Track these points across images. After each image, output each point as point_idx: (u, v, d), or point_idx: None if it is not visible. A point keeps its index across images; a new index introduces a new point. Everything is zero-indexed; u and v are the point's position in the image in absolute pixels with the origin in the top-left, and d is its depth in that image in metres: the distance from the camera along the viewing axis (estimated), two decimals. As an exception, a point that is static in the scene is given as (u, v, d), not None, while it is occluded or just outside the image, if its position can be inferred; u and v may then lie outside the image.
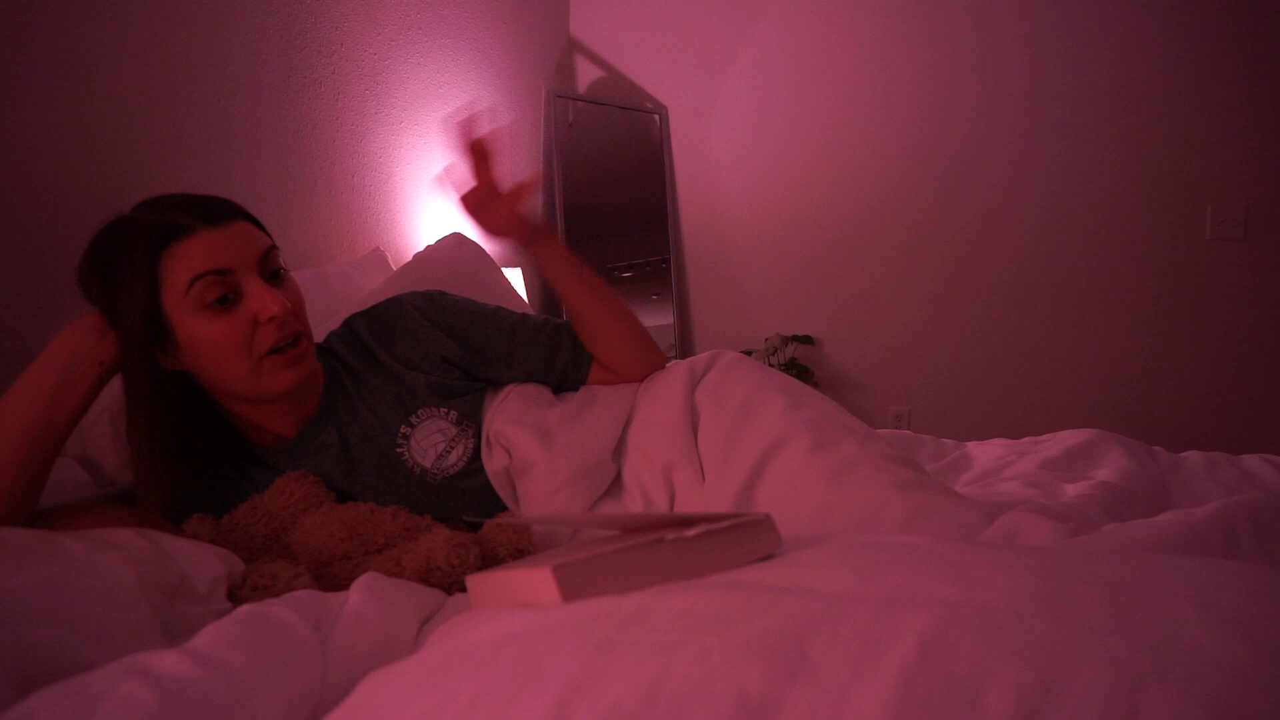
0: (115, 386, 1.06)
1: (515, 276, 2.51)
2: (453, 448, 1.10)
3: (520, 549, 0.95)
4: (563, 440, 1.07)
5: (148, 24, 1.65)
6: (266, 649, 0.59)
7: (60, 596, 0.69)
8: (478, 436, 1.12)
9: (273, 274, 1.00)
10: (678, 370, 1.17)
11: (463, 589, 0.87)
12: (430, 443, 1.10)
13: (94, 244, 0.97)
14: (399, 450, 1.09)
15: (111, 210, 0.99)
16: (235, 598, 0.85)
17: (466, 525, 1.07)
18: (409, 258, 2.02)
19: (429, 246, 1.91)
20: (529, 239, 1.15)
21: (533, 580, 0.58)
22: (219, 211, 0.97)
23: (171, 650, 0.56)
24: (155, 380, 0.97)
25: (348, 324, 1.17)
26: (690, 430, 1.08)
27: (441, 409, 1.11)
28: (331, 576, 0.92)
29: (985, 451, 1.49)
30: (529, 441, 1.07)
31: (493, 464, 1.09)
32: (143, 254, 0.93)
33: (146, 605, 0.73)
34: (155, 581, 0.77)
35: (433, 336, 1.13)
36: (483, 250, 1.96)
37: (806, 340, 3.12)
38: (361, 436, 1.09)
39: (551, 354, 1.18)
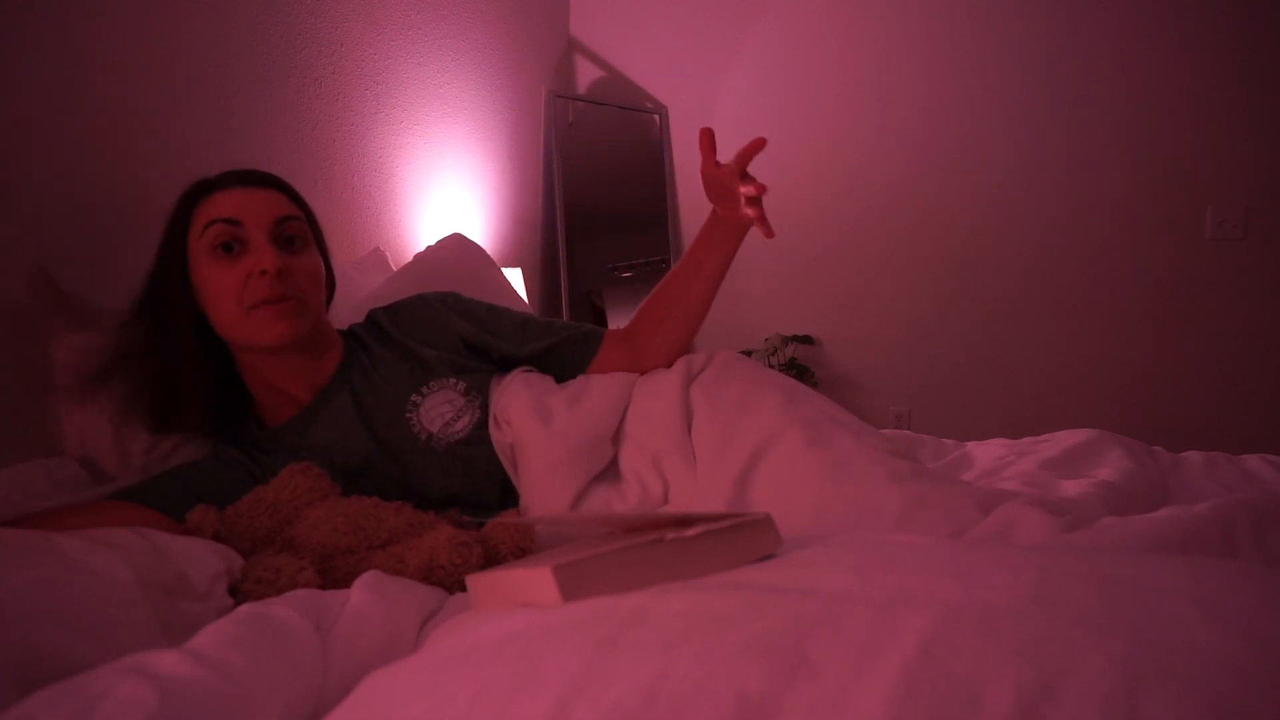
0: (115, 388, 1.06)
1: (515, 276, 2.51)
2: (460, 416, 1.16)
3: (522, 548, 0.95)
4: (561, 421, 1.11)
5: (148, 24, 1.65)
6: (267, 648, 0.59)
7: (59, 596, 0.69)
8: (484, 409, 1.17)
9: (288, 240, 1.08)
10: (675, 366, 1.20)
11: (464, 588, 0.87)
12: (438, 411, 1.16)
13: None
14: (408, 416, 1.15)
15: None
16: (238, 592, 0.85)
17: (470, 524, 1.07)
18: (409, 258, 2.02)
19: (429, 247, 1.91)
20: (727, 214, 1.21)
21: (533, 580, 0.58)
22: (256, 177, 1.11)
23: (172, 650, 0.56)
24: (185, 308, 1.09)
25: (370, 316, 1.26)
26: (684, 423, 1.10)
27: (451, 379, 1.18)
28: (334, 570, 0.92)
29: (985, 451, 1.49)
30: (529, 420, 1.11)
31: (500, 436, 1.14)
32: (184, 202, 1.09)
33: (145, 604, 0.73)
34: (154, 580, 0.77)
35: (452, 320, 1.22)
36: (483, 251, 1.96)
37: (806, 340, 3.12)
38: (374, 404, 1.15)
39: (555, 345, 1.24)
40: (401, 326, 1.22)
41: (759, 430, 1.06)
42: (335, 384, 1.16)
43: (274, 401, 1.15)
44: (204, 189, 1.09)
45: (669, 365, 1.23)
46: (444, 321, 1.22)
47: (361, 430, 1.13)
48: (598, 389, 1.17)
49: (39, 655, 0.61)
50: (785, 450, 1.03)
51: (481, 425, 1.16)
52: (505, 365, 1.25)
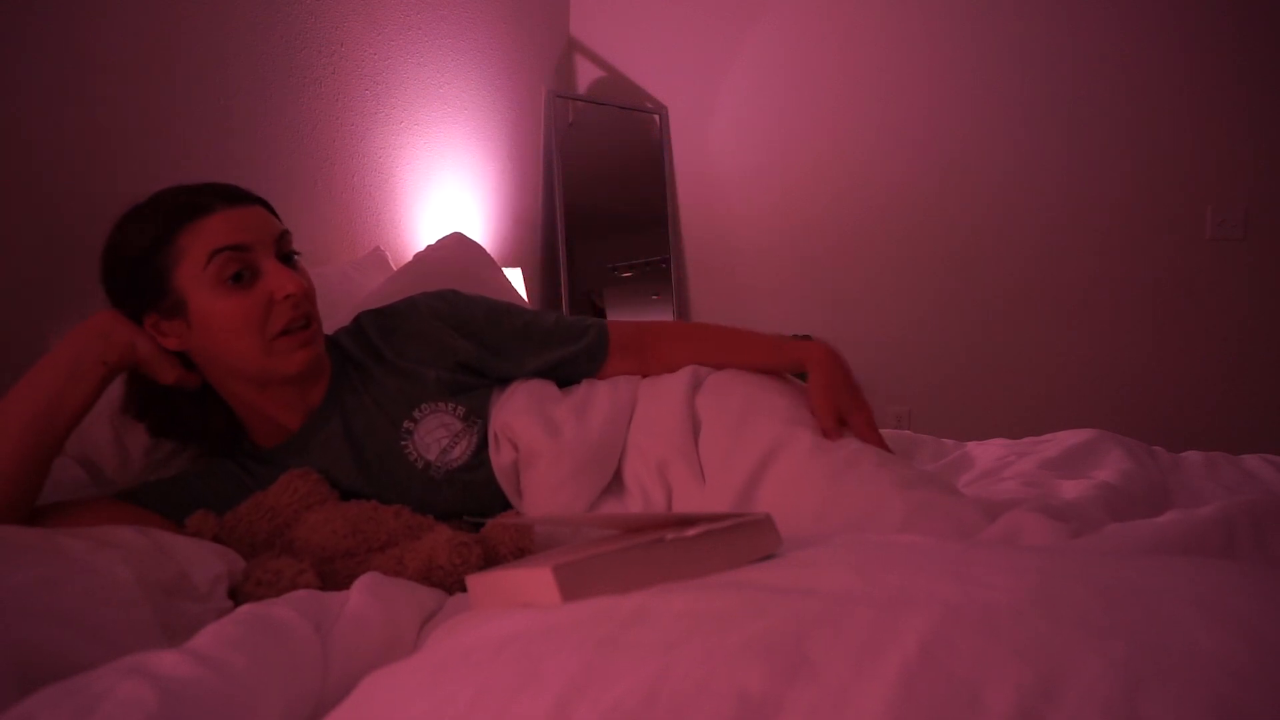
0: (115, 388, 1.06)
1: (515, 276, 2.51)
2: (457, 442, 1.11)
3: (522, 548, 0.95)
4: (569, 433, 1.07)
5: (148, 24, 1.65)
6: (267, 649, 0.59)
7: (59, 595, 0.69)
8: (483, 432, 1.12)
9: (286, 257, 1.03)
10: (681, 373, 1.16)
11: (464, 589, 0.87)
12: (434, 437, 1.10)
13: (117, 227, 1.00)
14: (403, 444, 1.10)
15: (116, 207, 1.00)
16: (239, 594, 0.85)
17: (469, 525, 1.07)
18: (409, 258, 2.01)
19: (429, 246, 1.91)
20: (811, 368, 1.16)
21: (533, 580, 0.58)
22: (237, 194, 1.02)
23: (172, 650, 0.56)
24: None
25: (357, 321, 1.18)
26: (689, 429, 1.08)
27: (448, 404, 1.12)
28: (334, 574, 0.92)
29: (985, 452, 1.49)
30: (536, 432, 1.06)
31: (500, 459, 1.09)
32: (164, 225, 0.97)
33: (145, 604, 0.73)
34: (154, 580, 0.77)
35: (447, 338, 1.13)
36: (483, 250, 1.96)
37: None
38: (366, 429, 1.10)
39: (558, 364, 1.18)
40: (392, 342, 1.14)
41: (765, 436, 1.04)
42: (325, 410, 1.10)
43: (262, 426, 1.09)
44: (185, 215, 0.97)
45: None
46: (438, 340, 1.13)
47: (351, 460, 1.09)
48: (604, 398, 1.13)
49: (39, 654, 0.61)
50: (791, 455, 1.02)
51: (480, 449, 1.11)
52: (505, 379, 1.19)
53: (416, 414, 1.11)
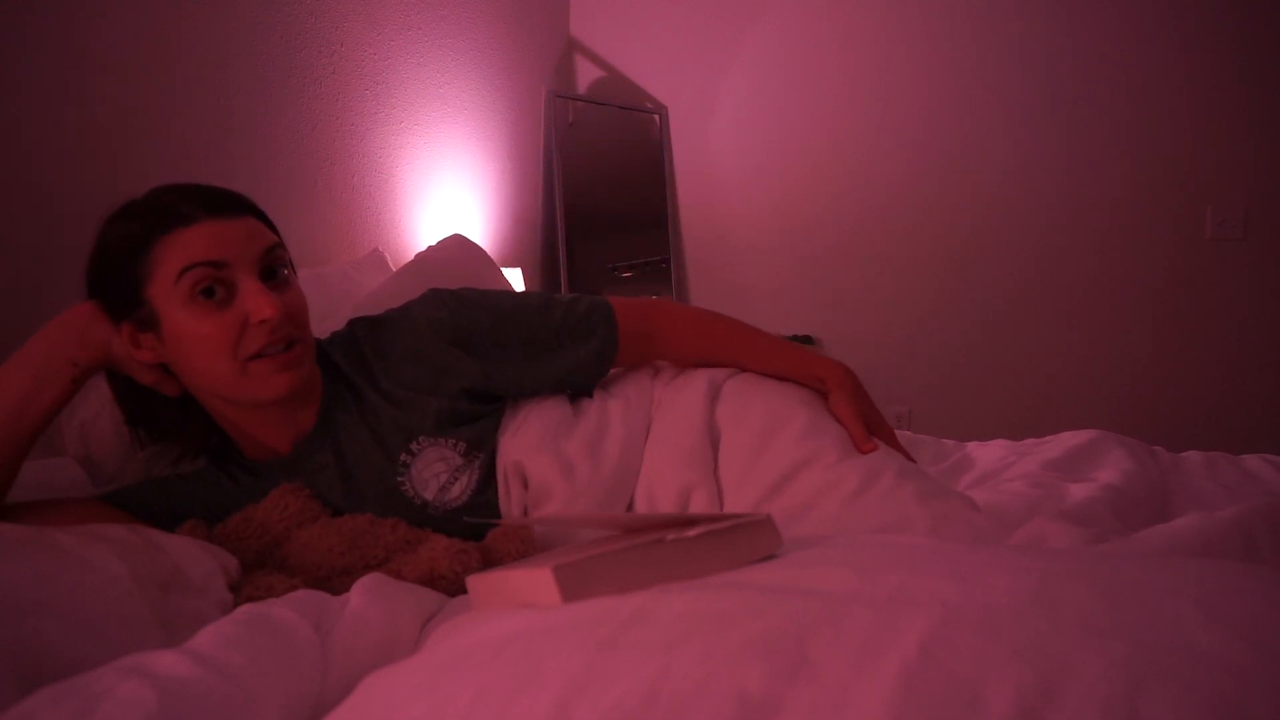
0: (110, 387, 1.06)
1: (515, 276, 2.51)
2: (456, 478, 1.03)
3: (524, 556, 0.95)
4: (583, 474, 1.02)
5: (148, 24, 1.65)
6: (267, 649, 0.59)
7: (54, 590, 0.69)
8: (486, 464, 1.05)
9: (274, 274, 0.95)
10: (697, 382, 1.12)
11: (464, 592, 0.87)
12: (432, 472, 1.03)
13: (103, 225, 0.96)
14: (399, 479, 1.03)
15: (113, 210, 0.98)
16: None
17: (476, 523, 1.06)
18: (409, 258, 2.02)
19: (430, 247, 1.91)
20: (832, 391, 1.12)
21: (533, 580, 0.58)
22: (226, 204, 0.94)
23: (171, 650, 0.56)
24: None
25: (350, 330, 1.10)
26: (709, 448, 1.04)
27: (448, 439, 1.04)
28: (330, 591, 0.91)
29: (986, 452, 1.48)
30: (550, 470, 1.01)
31: (508, 504, 1.04)
32: (143, 232, 0.91)
33: (140, 598, 0.73)
34: (149, 574, 0.77)
35: (449, 360, 1.04)
36: (483, 251, 1.96)
37: (806, 340, 3.12)
38: (359, 458, 1.03)
39: (573, 370, 1.11)
40: (387, 362, 1.05)
41: (788, 452, 1.01)
42: (316, 435, 1.03)
43: (248, 444, 1.03)
44: (164, 224, 0.91)
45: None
46: (440, 363, 1.04)
47: (342, 489, 1.03)
48: (618, 425, 1.07)
49: (36, 650, 0.61)
50: (813, 469, 1.00)
51: (482, 488, 1.04)
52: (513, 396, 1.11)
53: (414, 447, 1.03)
